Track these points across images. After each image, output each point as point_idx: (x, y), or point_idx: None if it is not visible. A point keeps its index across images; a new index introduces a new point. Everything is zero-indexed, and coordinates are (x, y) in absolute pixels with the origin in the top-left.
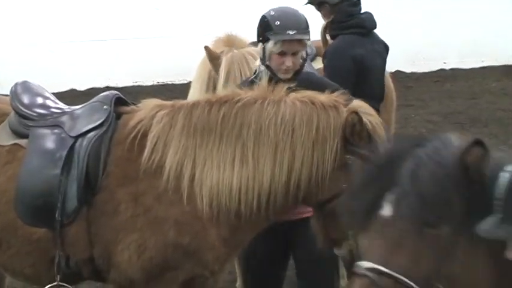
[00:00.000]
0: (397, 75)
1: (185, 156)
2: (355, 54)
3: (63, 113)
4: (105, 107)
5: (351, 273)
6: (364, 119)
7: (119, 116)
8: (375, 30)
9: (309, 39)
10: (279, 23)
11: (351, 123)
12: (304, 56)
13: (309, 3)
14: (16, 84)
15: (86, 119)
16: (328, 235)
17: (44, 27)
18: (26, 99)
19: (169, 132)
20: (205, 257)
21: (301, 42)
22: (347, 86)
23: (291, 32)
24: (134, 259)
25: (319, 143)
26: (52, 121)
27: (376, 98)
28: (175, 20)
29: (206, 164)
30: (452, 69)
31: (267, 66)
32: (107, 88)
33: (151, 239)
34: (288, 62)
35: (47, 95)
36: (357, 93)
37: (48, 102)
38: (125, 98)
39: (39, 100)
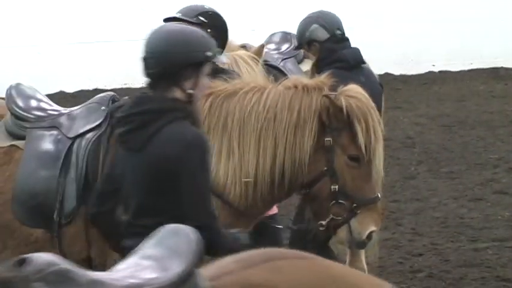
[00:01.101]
0: (386, 77)
1: None
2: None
3: (60, 114)
4: (102, 108)
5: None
6: (343, 102)
7: None
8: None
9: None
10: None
11: (324, 106)
12: None
13: (298, 47)
14: (11, 86)
15: (84, 120)
16: (317, 218)
17: (32, 29)
18: (21, 102)
19: None
20: None
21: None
22: None
23: (176, 15)
24: None
25: (300, 126)
26: (49, 122)
27: None
28: (162, 21)
29: None
30: (440, 72)
31: None
32: (96, 90)
33: None
34: None
35: (41, 97)
36: None
37: (43, 105)
38: (120, 99)
39: (35, 102)
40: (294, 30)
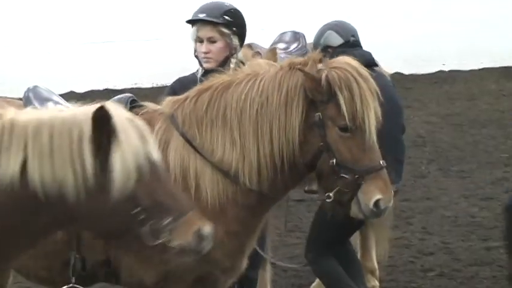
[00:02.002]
0: (396, 76)
1: (185, 151)
2: None
3: None
4: None
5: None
6: (323, 74)
7: None
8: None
9: (227, 30)
10: (196, 9)
11: (306, 81)
12: (237, 47)
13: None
14: (28, 89)
15: None
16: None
17: (42, 29)
18: (39, 104)
19: (168, 128)
20: (214, 255)
21: (217, 30)
22: None
23: (200, 15)
24: None
25: (289, 105)
26: None
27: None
28: (172, 21)
29: (204, 154)
30: (451, 71)
31: (196, 57)
32: (106, 90)
33: None
34: (203, 47)
35: (58, 99)
36: None
37: (61, 107)
38: (139, 100)
39: (53, 104)
40: (303, 29)
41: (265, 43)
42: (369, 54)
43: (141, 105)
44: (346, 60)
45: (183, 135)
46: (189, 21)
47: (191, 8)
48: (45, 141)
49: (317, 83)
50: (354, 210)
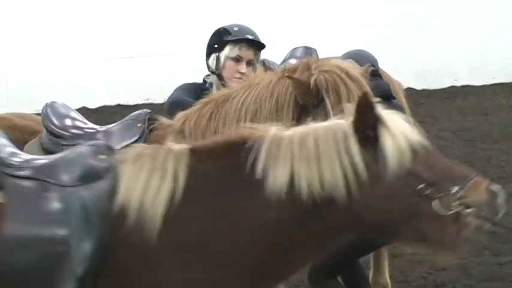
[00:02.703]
0: (408, 91)
1: None
2: None
3: (97, 132)
4: (138, 124)
5: None
6: (311, 78)
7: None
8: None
9: (261, 49)
10: (237, 28)
11: (293, 86)
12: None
13: None
14: (46, 104)
15: (120, 137)
16: None
17: (54, 44)
18: (57, 119)
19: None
20: None
21: (257, 53)
22: None
23: (249, 37)
24: None
25: (279, 111)
26: (85, 139)
27: None
28: (184, 37)
29: None
30: (463, 86)
31: (219, 75)
32: (118, 106)
33: None
34: (243, 68)
35: (76, 115)
36: None
37: (79, 123)
38: (157, 116)
39: (71, 120)
40: (314, 44)
41: (276, 58)
42: (387, 85)
43: (158, 121)
44: (336, 63)
45: None
46: (242, 40)
47: (203, 24)
48: (310, 148)
49: (306, 88)
50: None
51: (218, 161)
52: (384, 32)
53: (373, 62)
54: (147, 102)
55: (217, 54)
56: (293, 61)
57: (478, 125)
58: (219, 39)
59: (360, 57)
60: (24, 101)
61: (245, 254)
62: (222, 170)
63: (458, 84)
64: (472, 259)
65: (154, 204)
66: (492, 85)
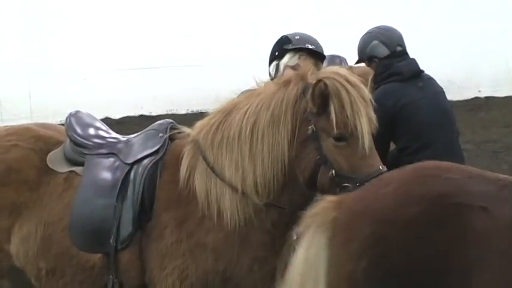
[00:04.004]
0: None
1: (208, 175)
2: (390, 104)
3: (119, 141)
4: (160, 134)
5: None
6: (311, 85)
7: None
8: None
9: (322, 60)
10: (298, 37)
11: (296, 93)
12: None
13: (358, 61)
14: (70, 114)
15: (142, 146)
16: None
17: (78, 56)
18: (80, 129)
19: (195, 154)
20: (244, 282)
21: (318, 63)
22: (386, 136)
23: (310, 46)
24: (177, 285)
25: (276, 123)
26: (108, 149)
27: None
28: (208, 47)
29: (221, 178)
30: (486, 98)
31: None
32: (141, 117)
33: (192, 265)
34: None
35: (100, 125)
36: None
37: (102, 132)
38: (179, 126)
39: (94, 130)
40: (343, 53)
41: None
42: (414, 61)
43: (180, 131)
44: (334, 70)
45: (205, 159)
46: (304, 49)
47: (227, 35)
48: None
49: (312, 95)
50: None
51: None
52: (407, 45)
53: (399, 41)
54: (170, 112)
55: (277, 62)
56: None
57: (501, 137)
58: (280, 47)
59: (388, 38)
60: (47, 112)
61: None
62: None
63: (482, 95)
64: None
65: None
66: None
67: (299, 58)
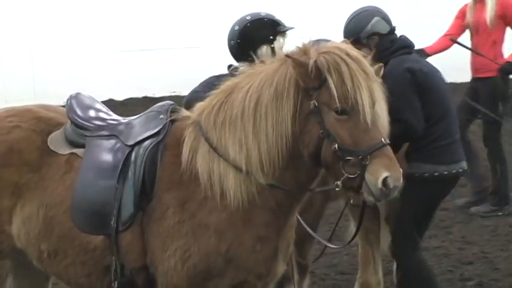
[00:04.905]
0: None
1: (210, 156)
2: (410, 66)
3: (119, 123)
4: (161, 116)
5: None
6: (310, 59)
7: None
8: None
9: None
10: (279, 18)
11: (293, 69)
12: None
13: (354, 41)
14: (71, 96)
15: (142, 128)
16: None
17: (82, 37)
18: (81, 111)
19: (196, 135)
20: (247, 262)
21: None
22: (411, 98)
23: (288, 27)
24: (179, 266)
25: (279, 98)
26: (108, 131)
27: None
28: (211, 29)
29: (225, 158)
30: None
31: None
32: (145, 98)
33: (195, 245)
34: None
35: (100, 106)
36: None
37: (103, 114)
38: (179, 107)
39: (95, 112)
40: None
41: None
42: (407, 38)
43: (181, 112)
44: (335, 45)
45: (207, 140)
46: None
47: (230, 16)
48: None
49: (306, 69)
50: (365, 194)
51: None
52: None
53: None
54: (173, 94)
55: (272, 45)
56: None
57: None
58: (273, 31)
59: (385, 15)
60: (51, 93)
61: None
62: None
63: None
64: (498, 253)
65: None
66: None
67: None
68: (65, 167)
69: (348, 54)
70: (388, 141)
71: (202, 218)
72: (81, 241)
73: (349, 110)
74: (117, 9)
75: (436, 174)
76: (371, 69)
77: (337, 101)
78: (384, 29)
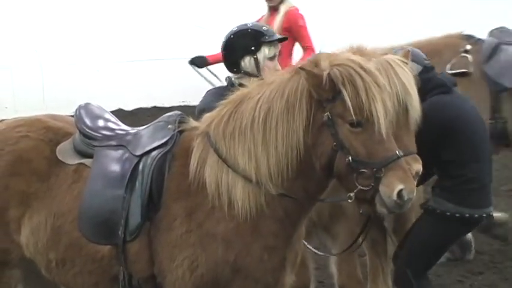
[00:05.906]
0: None
1: (219, 167)
2: (447, 115)
3: (128, 133)
4: (169, 126)
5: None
6: (325, 71)
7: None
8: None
9: None
10: (265, 28)
11: (309, 82)
12: None
13: None
14: (80, 106)
15: (150, 138)
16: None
17: (91, 47)
18: (90, 121)
19: (205, 146)
20: (254, 272)
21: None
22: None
23: (279, 36)
24: (187, 276)
25: (290, 110)
26: (117, 141)
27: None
28: (220, 38)
29: (234, 168)
30: None
31: (256, 76)
32: (154, 108)
33: (202, 255)
34: (278, 65)
35: (109, 116)
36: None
37: (111, 124)
38: (188, 118)
39: (103, 122)
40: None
41: None
42: (446, 74)
43: (189, 123)
44: (348, 57)
45: (216, 151)
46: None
47: (238, 24)
48: None
49: (320, 81)
50: (378, 206)
51: None
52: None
53: (424, 56)
54: (182, 104)
55: (254, 56)
56: None
57: None
58: (257, 41)
59: (414, 55)
60: (60, 103)
61: None
62: None
63: None
64: (509, 263)
65: None
66: None
67: (275, 47)
68: (73, 176)
69: (361, 67)
70: (402, 154)
71: (209, 228)
72: (89, 250)
73: (363, 122)
74: (126, 19)
75: (457, 215)
76: (384, 82)
77: (352, 113)
78: (415, 70)
